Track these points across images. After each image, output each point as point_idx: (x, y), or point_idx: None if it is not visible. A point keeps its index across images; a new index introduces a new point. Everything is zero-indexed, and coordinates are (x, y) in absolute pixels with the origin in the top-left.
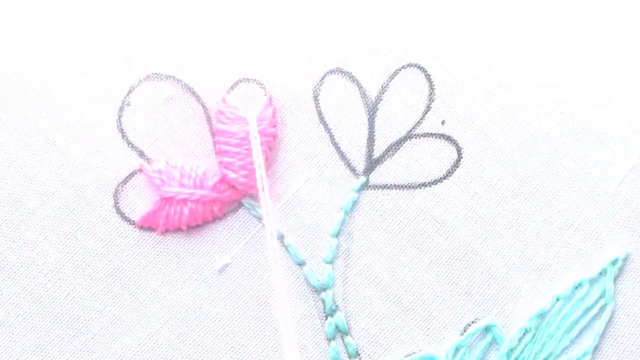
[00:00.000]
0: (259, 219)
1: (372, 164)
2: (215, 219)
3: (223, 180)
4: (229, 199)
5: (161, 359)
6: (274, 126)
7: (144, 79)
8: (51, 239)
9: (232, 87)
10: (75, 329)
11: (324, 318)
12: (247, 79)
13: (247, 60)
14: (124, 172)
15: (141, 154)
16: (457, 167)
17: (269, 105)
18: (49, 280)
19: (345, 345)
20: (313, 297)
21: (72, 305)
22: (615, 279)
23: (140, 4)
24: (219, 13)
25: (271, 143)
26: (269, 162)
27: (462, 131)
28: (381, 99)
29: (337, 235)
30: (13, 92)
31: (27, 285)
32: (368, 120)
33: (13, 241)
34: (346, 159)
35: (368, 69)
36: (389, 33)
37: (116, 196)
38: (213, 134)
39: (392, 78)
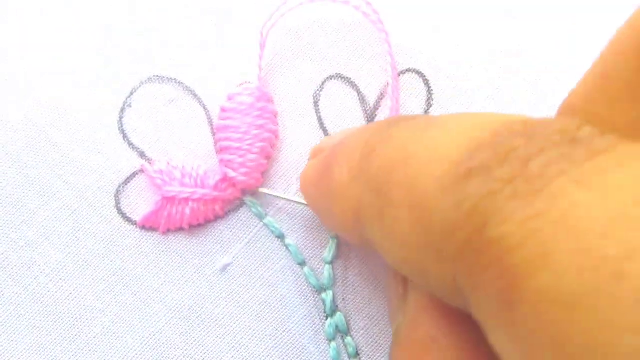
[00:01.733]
0: (260, 217)
1: None
2: (217, 217)
3: (224, 179)
4: (231, 197)
5: (163, 358)
6: (276, 124)
7: (145, 81)
8: (52, 240)
9: (235, 87)
10: (78, 329)
11: (325, 318)
12: (249, 82)
13: (248, 66)
14: (125, 173)
15: (142, 154)
16: None
17: (271, 103)
18: (50, 281)
19: (346, 346)
20: (314, 297)
21: (74, 305)
22: None
23: (142, 6)
24: (220, 17)
25: (273, 141)
26: (270, 160)
27: None
28: (380, 105)
29: (336, 236)
30: (14, 92)
31: (29, 285)
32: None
33: (14, 242)
34: None
35: (367, 74)
36: (388, 38)
37: (117, 197)
38: (214, 134)
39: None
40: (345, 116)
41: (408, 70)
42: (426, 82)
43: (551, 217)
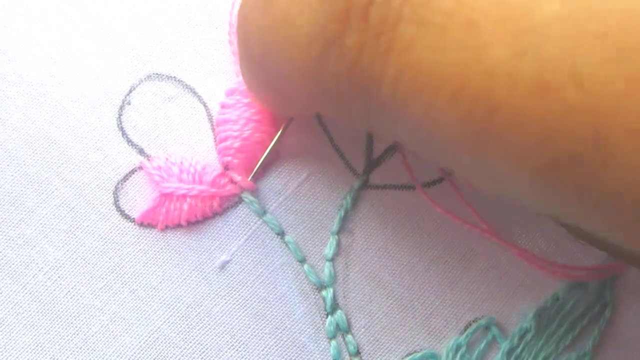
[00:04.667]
0: (259, 214)
1: (372, 164)
2: (215, 214)
3: (222, 174)
4: (229, 194)
5: (161, 357)
6: (275, 119)
7: (144, 78)
8: (51, 237)
9: (234, 84)
10: (76, 327)
11: (325, 316)
12: None
13: None
14: (124, 170)
15: (141, 151)
16: None
17: None
18: (48, 279)
19: (346, 344)
20: (314, 294)
21: (72, 303)
22: (615, 277)
23: (142, 6)
24: (220, 16)
25: (272, 134)
26: (269, 155)
27: None
28: None
29: (337, 232)
30: (12, 90)
31: (27, 283)
32: None
33: (12, 240)
34: (345, 159)
35: None
36: None
37: (116, 194)
38: (213, 129)
39: None
40: None
41: None
42: None
43: (420, 46)
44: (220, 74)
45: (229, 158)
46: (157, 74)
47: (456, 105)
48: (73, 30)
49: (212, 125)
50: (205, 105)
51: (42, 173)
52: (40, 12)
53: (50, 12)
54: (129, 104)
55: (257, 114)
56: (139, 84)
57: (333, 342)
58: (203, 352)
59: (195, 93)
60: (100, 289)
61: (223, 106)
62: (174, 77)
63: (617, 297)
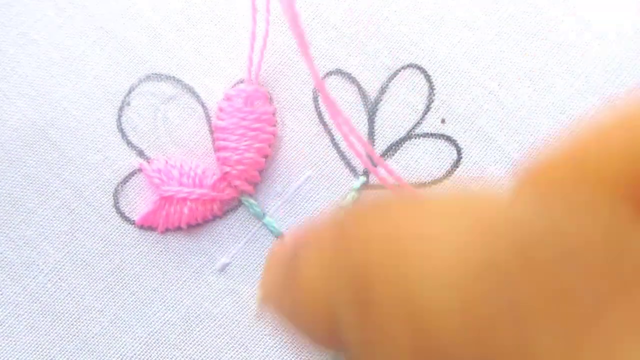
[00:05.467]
0: (259, 217)
1: (372, 164)
2: (215, 217)
3: (222, 178)
4: (228, 198)
5: (162, 358)
6: (274, 125)
7: (144, 78)
8: (51, 239)
9: (232, 86)
10: (76, 329)
11: None
12: (244, 81)
13: (247, 62)
14: (124, 172)
15: (141, 153)
16: (457, 167)
17: (269, 104)
18: (49, 280)
19: None
20: None
21: (72, 304)
22: None
23: (141, 5)
24: (219, 13)
25: (271, 141)
26: (268, 159)
27: (462, 131)
28: (381, 100)
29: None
30: (12, 91)
31: (27, 284)
32: (368, 120)
33: (13, 241)
34: (346, 158)
35: (367, 69)
36: (389, 34)
37: (116, 196)
38: (212, 132)
39: (392, 79)
40: (345, 111)
41: (409, 65)
42: (427, 78)
43: None
44: (219, 72)
45: (228, 168)
46: (155, 73)
47: None
48: (73, 30)
49: (210, 127)
50: (203, 105)
51: (42, 174)
52: (41, 13)
53: (51, 13)
54: (129, 105)
55: (255, 121)
56: (138, 84)
57: None
58: (203, 354)
59: (194, 93)
60: (101, 290)
61: (221, 110)
62: (173, 76)
63: None
